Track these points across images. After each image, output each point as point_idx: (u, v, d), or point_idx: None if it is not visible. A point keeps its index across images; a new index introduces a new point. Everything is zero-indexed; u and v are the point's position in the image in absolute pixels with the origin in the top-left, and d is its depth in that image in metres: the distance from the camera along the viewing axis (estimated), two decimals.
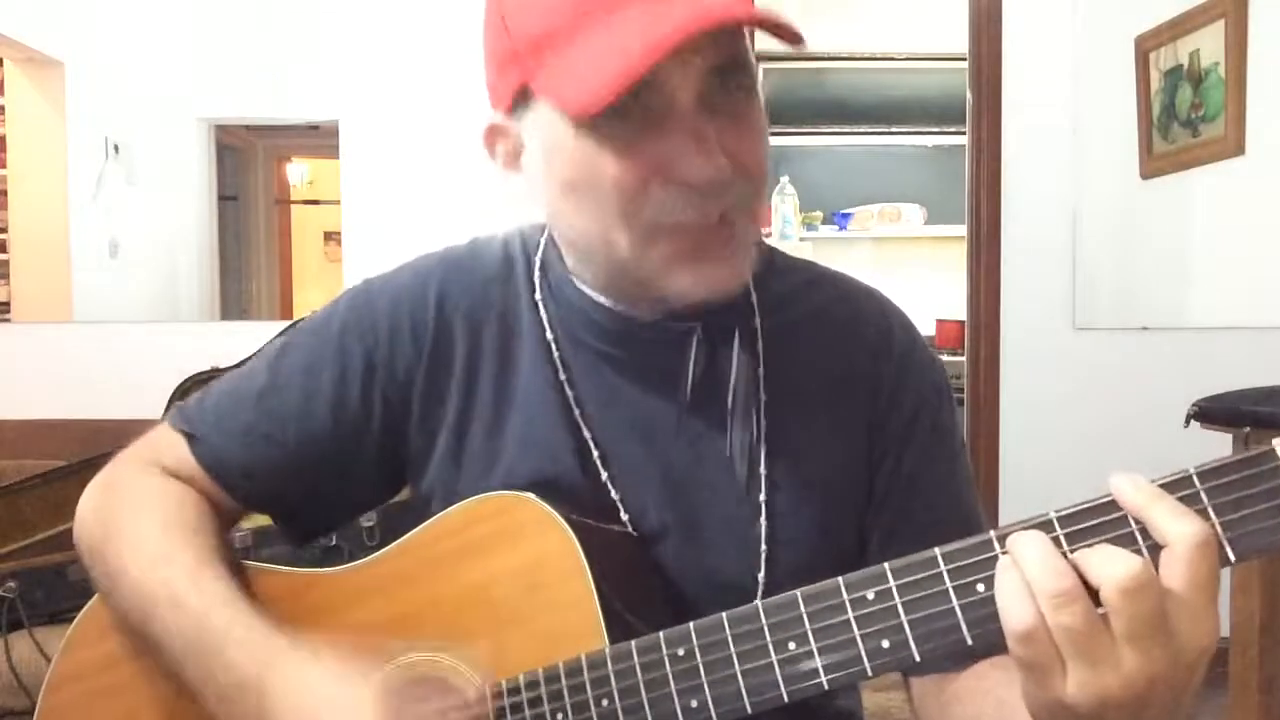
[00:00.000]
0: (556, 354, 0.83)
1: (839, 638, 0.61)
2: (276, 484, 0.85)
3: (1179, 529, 0.53)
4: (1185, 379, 2.18)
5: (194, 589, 0.75)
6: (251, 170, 4.34)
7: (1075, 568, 0.54)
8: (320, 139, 3.45)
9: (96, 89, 3.43)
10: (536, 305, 0.84)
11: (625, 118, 0.68)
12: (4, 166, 3.48)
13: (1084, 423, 2.85)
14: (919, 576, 0.59)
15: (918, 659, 0.59)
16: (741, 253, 0.74)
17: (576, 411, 0.82)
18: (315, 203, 4.57)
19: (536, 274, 0.86)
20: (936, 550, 0.59)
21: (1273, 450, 0.54)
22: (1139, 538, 0.55)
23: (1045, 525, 0.56)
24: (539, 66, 0.70)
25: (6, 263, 3.49)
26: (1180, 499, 0.54)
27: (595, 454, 0.81)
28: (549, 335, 0.83)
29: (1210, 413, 1.90)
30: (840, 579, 0.61)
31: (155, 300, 3.58)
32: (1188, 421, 1.92)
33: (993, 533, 0.58)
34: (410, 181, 3.16)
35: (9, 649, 1.89)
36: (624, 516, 0.80)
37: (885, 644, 0.60)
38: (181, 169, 3.59)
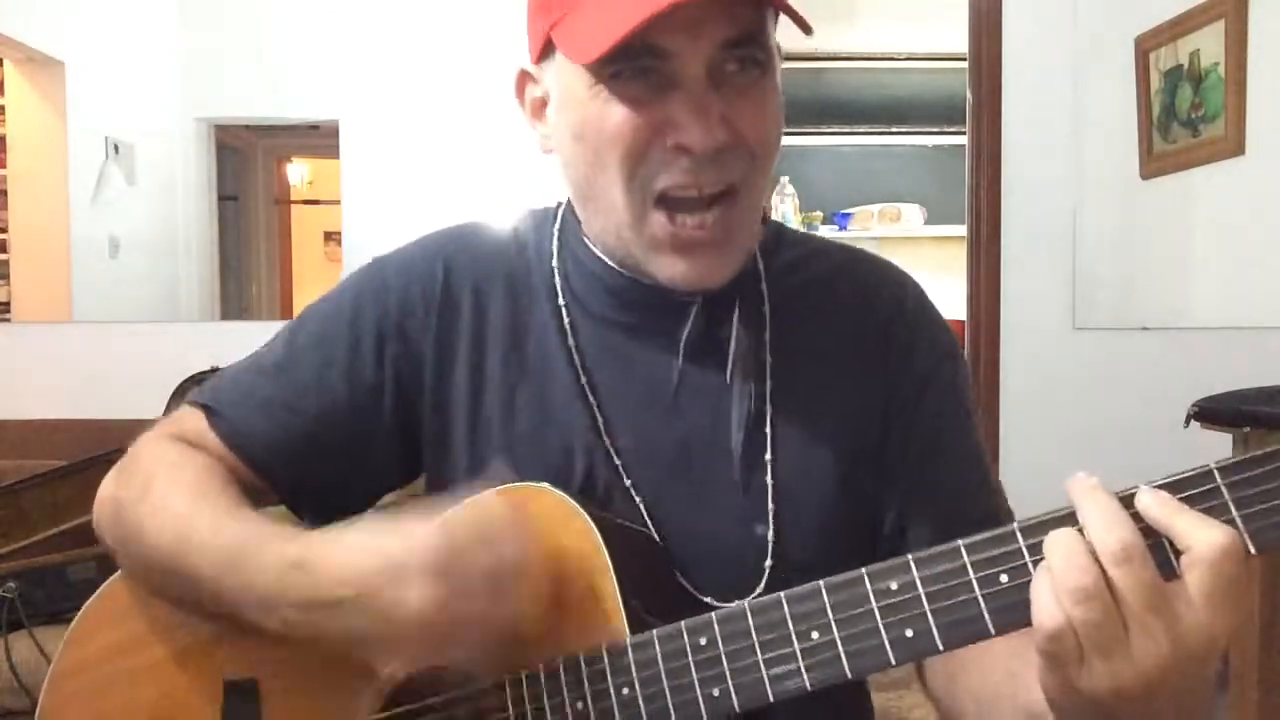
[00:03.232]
0: (567, 320, 0.84)
1: (862, 627, 0.61)
2: (297, 458, 0.85)
3: (1202, 535, 0.54)
4: (1185, 379, 2.19)
5: (231, 517, 0.76)
6: (251, 170, 4.35)
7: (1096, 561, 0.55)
8: (320, 139, 3.45)
9: (96, 89, 3.43)
10: (551, 271, 0.86)
11: (637, 79, 0.73)
12: (4, 166, 3.48)
13: (1084, 423, 2.85)
14: (942, 568, 0.60)
15: (941, 648, 0.60)
16: (730, 244, 0.77)
17: (584, 379, 0.83)
18: (315, 203, 4.58)
19: (555, 241, 0.87)
20: (959, 542, 0.60)
21: None
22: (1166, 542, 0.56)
23: (1070, 518, 0.57)
24: (561, 17, 0.74)
25: (6, 263, 3.49)
26: (1203, 493, 0.55)
27: (600, 421, 0.82)
28: (561, 301, 0.85)
29: (1210, 413, 1.91)
30: (863, 569, 0.62)
31: (155, 300, 3.58)
32: (1188, 421, 1.92)
33: (1015, 525, 0.59)
34: (410, 181, 3.16)
35: (9, 649, 1.89)
36: (627, 483, 0.81)
37: (909, 633, 0.60)
38: (181, 169, 3.59)
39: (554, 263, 0.87)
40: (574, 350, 0.83)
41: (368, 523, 0.72)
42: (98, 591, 0.86)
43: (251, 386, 0.87)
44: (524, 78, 0.84)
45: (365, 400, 0.85)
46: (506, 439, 0.82)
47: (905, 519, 0.82)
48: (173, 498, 0.79)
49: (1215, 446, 1.91)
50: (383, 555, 0.66)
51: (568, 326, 0.84)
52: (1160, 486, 0.56)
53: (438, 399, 0.85)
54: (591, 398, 0.82)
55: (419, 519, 0.67)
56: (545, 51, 0.79)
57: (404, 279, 0.87)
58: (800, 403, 0.83)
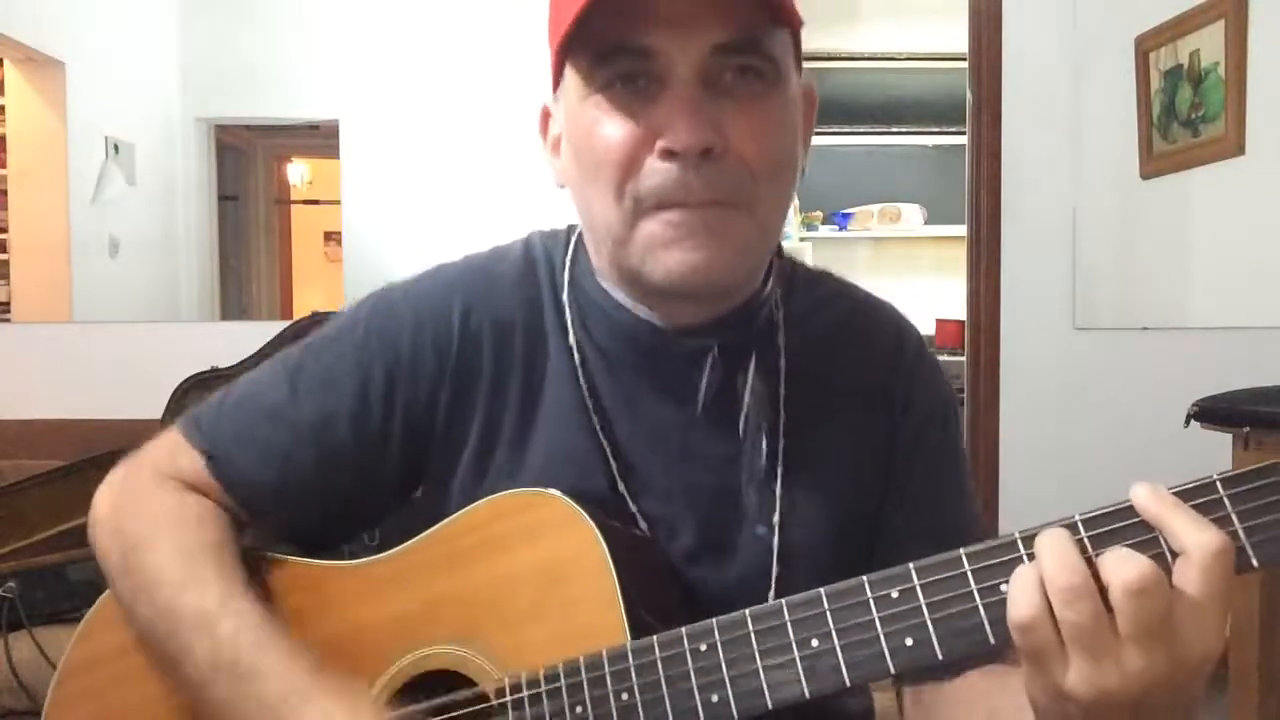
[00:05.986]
0: (578, 358, 0.82)
1: (862, 635, 0.61)
2: (295, 500, 0.84)
3: (1197, 538, 0.53)
4: (1185, 379, 2.19)
5: (224, 614, 0.75)
6: (251, 170, 4.35)
7: (1090, 566, 0.54)
8: (320, 139, 3.45)
9: (96, 89, 3.43)
10: (563, 306, 0.84)
11: (627, 88, 0.71)
12: (4, 166, 3.48)
13: (1084, 423, 2.85)
14: (943, 576, 0.59)
15: (940, 657, 0.59)
16: (725, 245, 0.73)
17: (596, 420, 0.81)
18: (315, 203, 4.58)
19: (566, 272, 0.85)
20: (961, 550, 0.59)
21: None
22: (1163, 542, 0.55)
23: (1070, 527, 0.57)
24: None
25: (6, 263, 3.49)
26: (1204, 504, 0.55)
27: (614, 465, 0.80)
28: (572, 338, 0.83)
29: (1210, 413, 1.91)
30: (864, 577, 0.62)
31: (155, 300, 3.58)
32: (1188, 421, 1.92)
33: (1017, 534, 0.58)
34: (410, 181, 3.16)
35: (9, 649, 1.89)
36: (642, 524, 0.80)
37: (909, 642, 0.60)
38: (181, 169, 3.60)
39: (565, 295, 0.84)
40: (586, 391, 0.81)
41: (342, 696, 0.70)
42: (107, 591, 0.85)
43: (250, 429, 0.83)
44: (546, 114, 0.83)
45: (370, 446, 0.82)
46: (514, 477, 0.81)
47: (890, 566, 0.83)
48: (163, 584, 0.77)
49: (1215, 446, 1.91)
50: None
51: (579, 365, 0.82)
52: None
53: (449, 442, 0.83)
54: (604, 440, 0.81)
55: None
56: (558, 78, 0.78)
57: (415, 321, 0.83)
58: (810, 462, 0.82)
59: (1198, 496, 0.55)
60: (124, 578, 0.81)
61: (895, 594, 0.61)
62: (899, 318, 0.90)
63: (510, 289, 0.84)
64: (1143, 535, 0.56)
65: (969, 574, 0.59)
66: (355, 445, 0.82)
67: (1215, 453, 1.91)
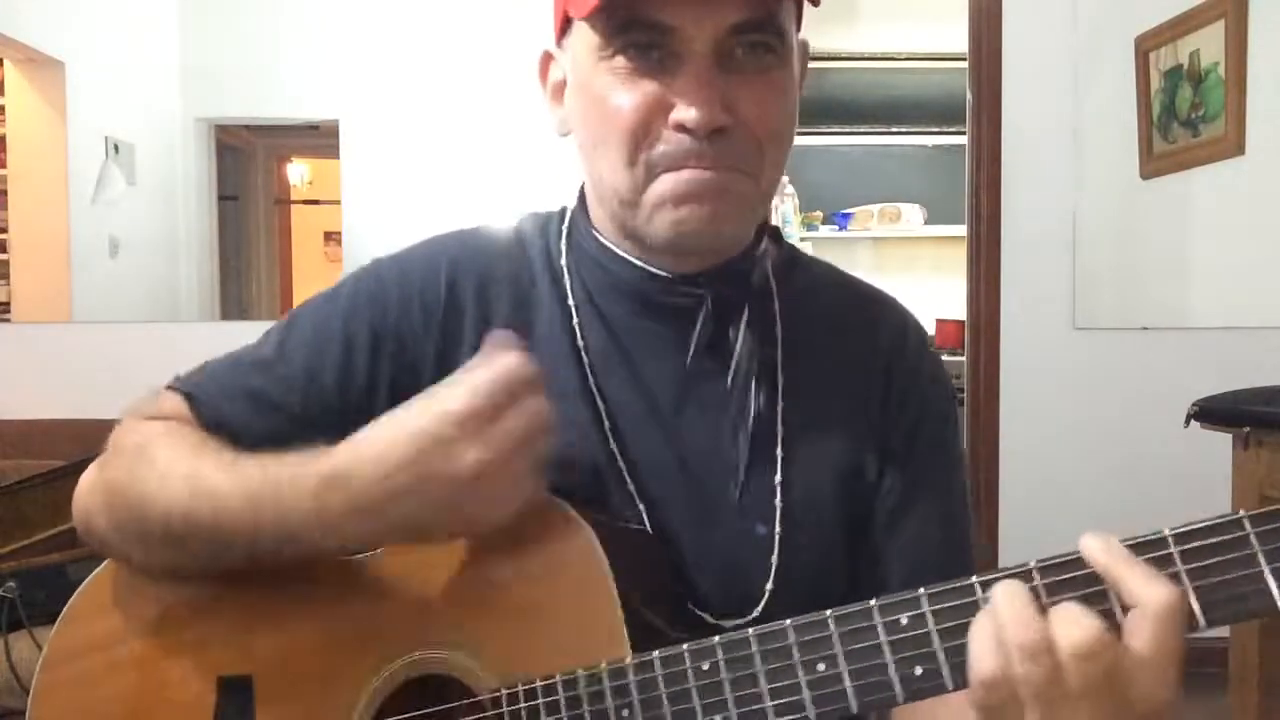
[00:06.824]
0: (576, 321, 0.83)
1: (870, 661, 0.60)
2: (280, 451, 0.83)
3: (1149, 593, 0.53)
4: (1185, 379, 2.19)
5: (243, 460, 0.74)
6: (251, 170, 4.34)
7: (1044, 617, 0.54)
8: (320, 139, 3.45)
9: (96, 89, 3.43)
10: (560, 271, 0.85)
11: (641, 56, 0.73)
12: (4, 166, 3.48)
13: (1084, 423, 2.85)
14: (954, 604, 0.58)
15: (950, 688, 0.58)
16: (730, 202, 0.75)
17: (592, 380, 0.82)
18: (315, 202, 4.57)
19: (563, 241, 0.86)
20: (974, 578, 0.58)
21: (1241, 520, 0.53)
22: (1113, 596, 0.55)
23: (1024, 575, 0.56)
24: None
25: (6, 263, 3.49)
26: (1154, 559, 0.54)
27: (606, 424, 0.81)
28: (570, 300, 0.84)
29: (1210, 413, 1.90)
30: (874, 601, 0.60)
31: (155, 300, 3.58)
32: (1188, 421, 1.92)
33: (1033, 564, 0.57)
34: (410, 181, 3.16)
35: (9, 649, 1.89)
36: (630, 487, 0.80)
37: (918, 671, 0.58)
38: (181, 169, 3.59)
39: (563, 261, 0.86)
40: (583, 351, 0.82)
41: (375, 423, 0.70)
42: (90, 576, 0.84)
43: (237, 380, 0.84)
44: (546, 59, 0.84)
45: (355, 402, 0.82)
46: None
47: (878, 562, 0.82)
48: (176, 460, 0.77)
49: (1215, 446, 1.91)
50: (421, 435, 0.66)
51: (576, 327, 0.83)
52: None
53: None
54: (599, 400, 0.81)
55: (423, 398, 0.68)
56: (564, 29, 0.80)
57: (403, 280, 0.85)
58: (809, 428, 0.82)
59: (1149, 551, 0.54)
60: (128, 493, 0.79)
61: (905, 620, 0.59)
62: (904, 312, 0.91)
63: (498, 256, 0.86)
64: (1096, 586, 0.55)
65: (980, 602, 0.57)
66: (341, 400, 0.82)
67: (1215, 453, 1.91)
